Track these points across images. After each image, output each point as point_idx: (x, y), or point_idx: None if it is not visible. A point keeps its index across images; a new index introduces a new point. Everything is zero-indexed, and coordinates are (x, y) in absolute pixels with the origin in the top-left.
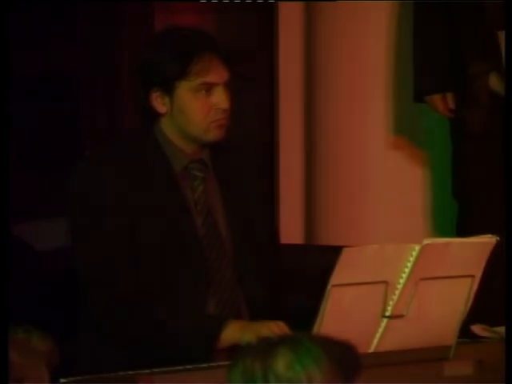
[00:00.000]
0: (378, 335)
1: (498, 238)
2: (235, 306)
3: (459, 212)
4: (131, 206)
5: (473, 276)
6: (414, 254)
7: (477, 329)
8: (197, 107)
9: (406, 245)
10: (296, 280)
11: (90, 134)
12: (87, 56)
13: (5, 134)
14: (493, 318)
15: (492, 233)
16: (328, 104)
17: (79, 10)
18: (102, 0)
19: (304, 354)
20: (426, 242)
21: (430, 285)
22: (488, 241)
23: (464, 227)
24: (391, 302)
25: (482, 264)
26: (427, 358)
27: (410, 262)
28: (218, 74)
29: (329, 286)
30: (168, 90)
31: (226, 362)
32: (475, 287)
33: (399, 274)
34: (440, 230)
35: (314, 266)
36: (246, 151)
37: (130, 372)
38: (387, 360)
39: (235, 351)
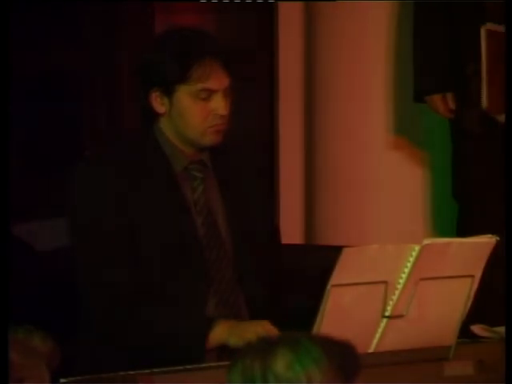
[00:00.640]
0: (377, 335)
1: (498, 238)
2: (235, 306)
3: (459, 212)
4: (131, 206)
5: (473, 276)
6: (414, 254)
7: (477, 329)
8: (195, 111)
9: (406, 245)
10: (296, 280)
11: (90, 134)
12: (87, 56)
13: (5, 134)
14: (493, 318)
15: (492, 233)
16: (328, 104)
17: (79, 9)
18: (102, 0)
19: (304, 354)
20: (426, 242)
21: (430, 285)
22: (488, 241)
23: (464, 227)
24: (391, 302)
25: (482, 264)
26: (427, 357)
27: (409, 262)
28: (218, 80)
29: (329, 286)
30: (167, 91)
31: (226, 362)
32: (475, 287)
33: (399, 274)
34: (440, 230)
35: (314, 265)
36: (246, 151)
37: (130, 372)
38: (387, 360)
39: (224, 351)
